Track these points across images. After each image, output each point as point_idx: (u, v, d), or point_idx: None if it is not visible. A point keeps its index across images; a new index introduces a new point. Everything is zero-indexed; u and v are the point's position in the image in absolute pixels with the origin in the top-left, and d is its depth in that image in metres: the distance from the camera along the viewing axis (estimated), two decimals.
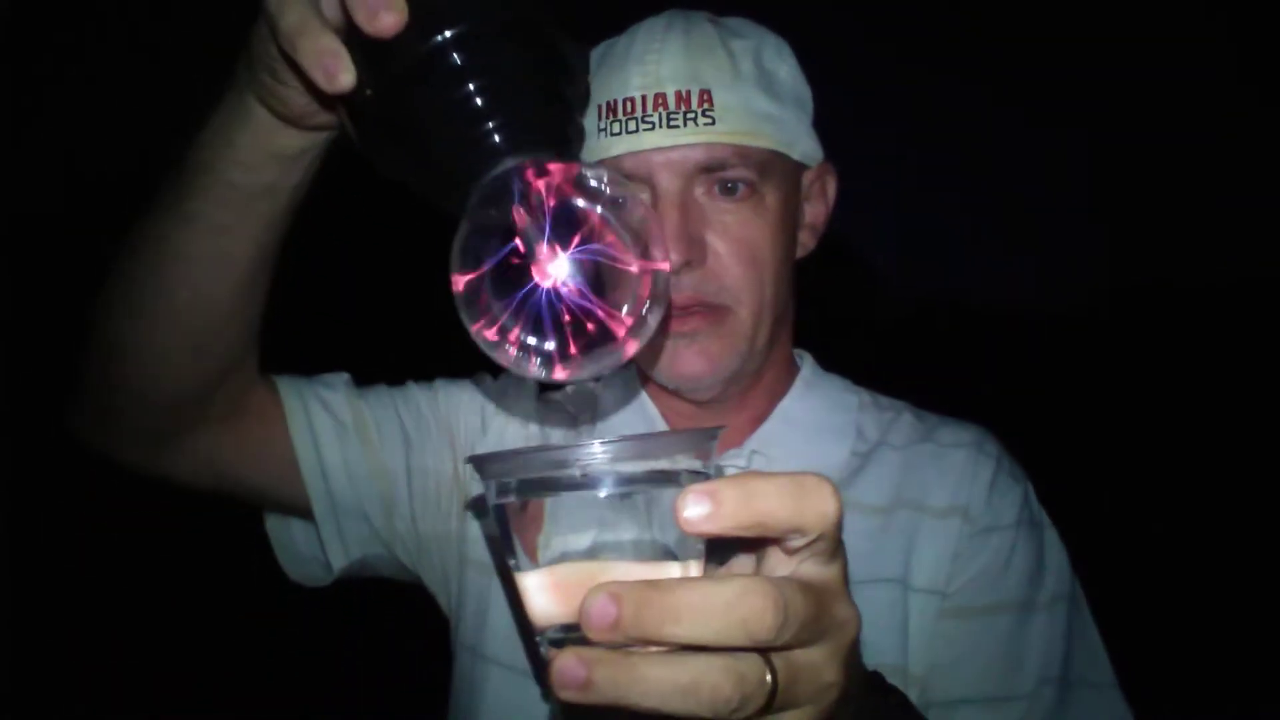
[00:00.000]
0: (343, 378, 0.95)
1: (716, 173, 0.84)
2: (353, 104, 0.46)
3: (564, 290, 0.44)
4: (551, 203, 0.44)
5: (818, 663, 0.41)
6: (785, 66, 0.90)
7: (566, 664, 0.37)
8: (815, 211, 0.96)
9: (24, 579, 3.69)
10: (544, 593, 0.41)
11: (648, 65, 0.84)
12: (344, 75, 0.44)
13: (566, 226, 0.44)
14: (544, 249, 0.43)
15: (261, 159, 0.62)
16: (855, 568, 0.83)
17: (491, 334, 0.44)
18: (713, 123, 0.82)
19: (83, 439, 0.84)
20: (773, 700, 0.39)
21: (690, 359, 0.86)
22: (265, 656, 3.92)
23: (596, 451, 0.40)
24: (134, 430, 0.81)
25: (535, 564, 0.43)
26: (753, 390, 0.95)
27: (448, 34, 0.43)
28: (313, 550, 0.93)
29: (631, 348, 0.46)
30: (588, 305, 0.44)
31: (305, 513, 0.91)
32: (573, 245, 0.44)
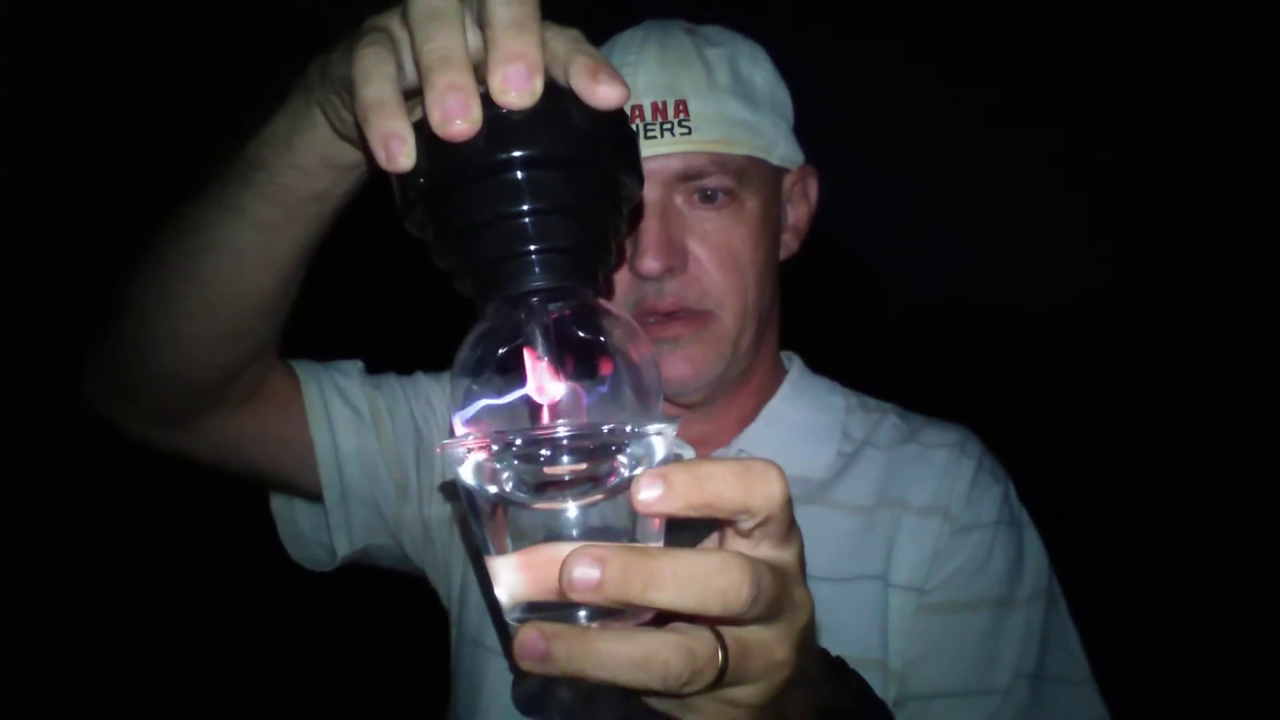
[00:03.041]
0: (356, 365, 0.96)
1: (695, 181, 0.85)
2: (405, 179, 0.47)
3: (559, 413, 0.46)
4: (564, 331, 0.46)
5: (769, 641, 0.43)
6: (761, 72, 0.91)
7: (528, 637, 0.39)
8: (798, 214, 0.98)
9: (22, 574, 3.69)
10: (512, 572, 0.43)
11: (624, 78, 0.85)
12: (403, 160, 0.45)
13: (573, 356, 0.46)
14: (546, 371, 0.45)
15: (317, 165, 0.62)
16: (839, 564, 0.87)
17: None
18: (689, 132, 0.84)
19: (98, 412, 0.85)
20: (723, 676, 0.41)
21: (674, 364, 0.87)
22: (265, 650, 3.92)
23: (559, 437, 0.42)
24: (152, 409, 0.82)
25: (503, 546, 0.44)
26: (740, 392, 0.96)
27: (515, 154, 0.44)
28: (317, 534, 0.94)
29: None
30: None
31: (312, 496, 0.92)
32: (575, 372, 0.46)
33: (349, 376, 0.94)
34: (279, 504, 0.97)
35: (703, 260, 0.86)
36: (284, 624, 3.92)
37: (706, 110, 0.85)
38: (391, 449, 0.93)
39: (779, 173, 0.93)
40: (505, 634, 0.89)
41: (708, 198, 0.86)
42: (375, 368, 0.99)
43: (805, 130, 0.97)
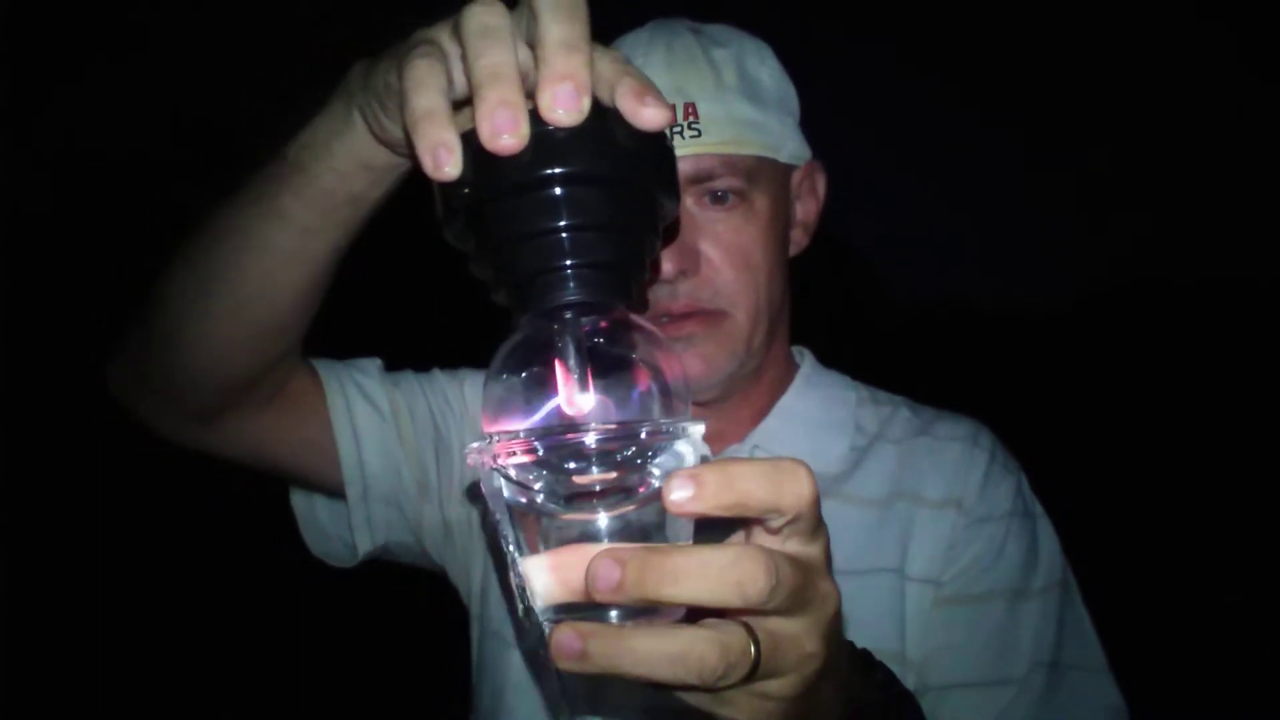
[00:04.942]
0: (375, 363, 0.97)
1: (705, 183, 0.86)
2: (448, 189, 0.48)
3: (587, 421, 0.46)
4: (597, 344, 0.47)
5: (799, 634, 0.43)
6: (767, 71, 0.92)
7: (564, 636, 0.40)
8: (806, 210, 0.98)
9: (22, 574, 3.69)
10: (543, 574, 0.44)
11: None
12: (450, 170, 0.46)
13: (605, 369, 0.47)
14: (577, 383, 0.46)
15: (354, 168, 0.64)
16: (854, 558, 0.87)
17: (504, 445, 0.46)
18: (699, 135, 0.84)
19: (126, 408, 0.86)
20: (756, 669, 0.42)
21: (688, 362, 0.87)
22: (279, 649, 3.92)
23: (588, 440, 0.43)
24: (180, 405, 0.83)
25: (535, 548, 0.45)
26: (754, 388, 0.97)
27: (560, 170, 0.45)
28: (337, 529, 0.96)
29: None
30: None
31: (333, 493, 0.93)
32: (606, 385, 0.47)
33: (369, 375, 0.95)
34: (299, 500, 0.97)
35: (715, 261, 0.87)
36: (304, 622, 3.93)
37: (715, 112, 0.85)
38: (412, 447, 0.94)
39: (787, 170, 0.93)
40: (523, 630, 0.90)
41: (718, 199, 0.87)
42: (390, 366, 0.99)
43: (805, 129, 0.97)
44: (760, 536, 0.44)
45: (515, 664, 0.92)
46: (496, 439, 0.45)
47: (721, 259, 0.87)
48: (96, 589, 4.35)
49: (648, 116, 0.46)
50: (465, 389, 1.00)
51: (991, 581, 0.86)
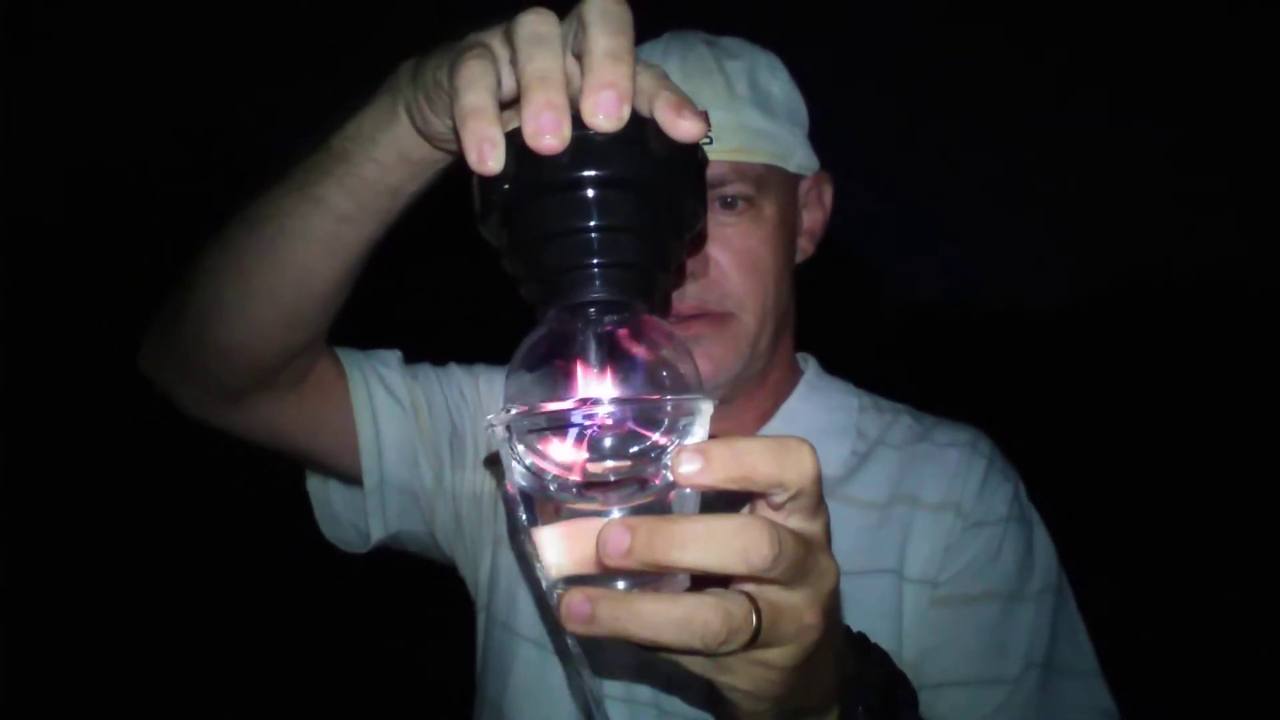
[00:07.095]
0: (396, 355, 0.99)
1: (715, 189, 0.88)
2: (488, 184, 0.50)
3: (601, 416, 0.48)
4: (617, 342, 0.49)
5: (799, 605, 0.45)
6: (778, 83, 0.94)
7: (574, 600, 0.41)
8: (813, 218, 1.00)
9: (22, 574, 3.69)
10: (556, 544, 0.45)
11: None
12: (493, 164, 0.48)
13: (623, 366, 0.49)
14: (595, 378, 0.48)
15: (395, 160, 0.66)
16: (854, 559, 0.89)
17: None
18: (710, 142, 0.86)
19: (155, 383, 0.88)
20: (757, 637, 0.44)
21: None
22: (289, 644, 3.93)
23: (602, 413, 0.45)
24: (208, 384, 0.85)
25: (550, 520, 0.47)
26: (758, 391, 0.99)
27: (596, 173, 0.47)
28: (350, 516, 0.97)
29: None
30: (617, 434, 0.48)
31: (348, 479, 0.95)
32: (623, 380, 0.49)
33: (390, 366, 0.97)
34: (314, 485, 0.99)
35: (723, 264, 0.89)
36: (304, 620, 3.94)
37: (726, 121, 0.87)
38: (429, 439, 0.96)
39: (795, 179, 0.95)
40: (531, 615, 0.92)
41: (727, 204, 0.89)
42: (409, 358, 1.01)
43: (813, 139, 0.98)
44: (764, 512, 0.46)
45: (522, 653, 0.94)
46: (509, 410, 0.46)
47: (729, 262, 0.89)
48: (96, 588, 4.36)
49: (683, 128, 0.48)
50: (481, 384, 1.02)
51: (987, 583, 0.88)
